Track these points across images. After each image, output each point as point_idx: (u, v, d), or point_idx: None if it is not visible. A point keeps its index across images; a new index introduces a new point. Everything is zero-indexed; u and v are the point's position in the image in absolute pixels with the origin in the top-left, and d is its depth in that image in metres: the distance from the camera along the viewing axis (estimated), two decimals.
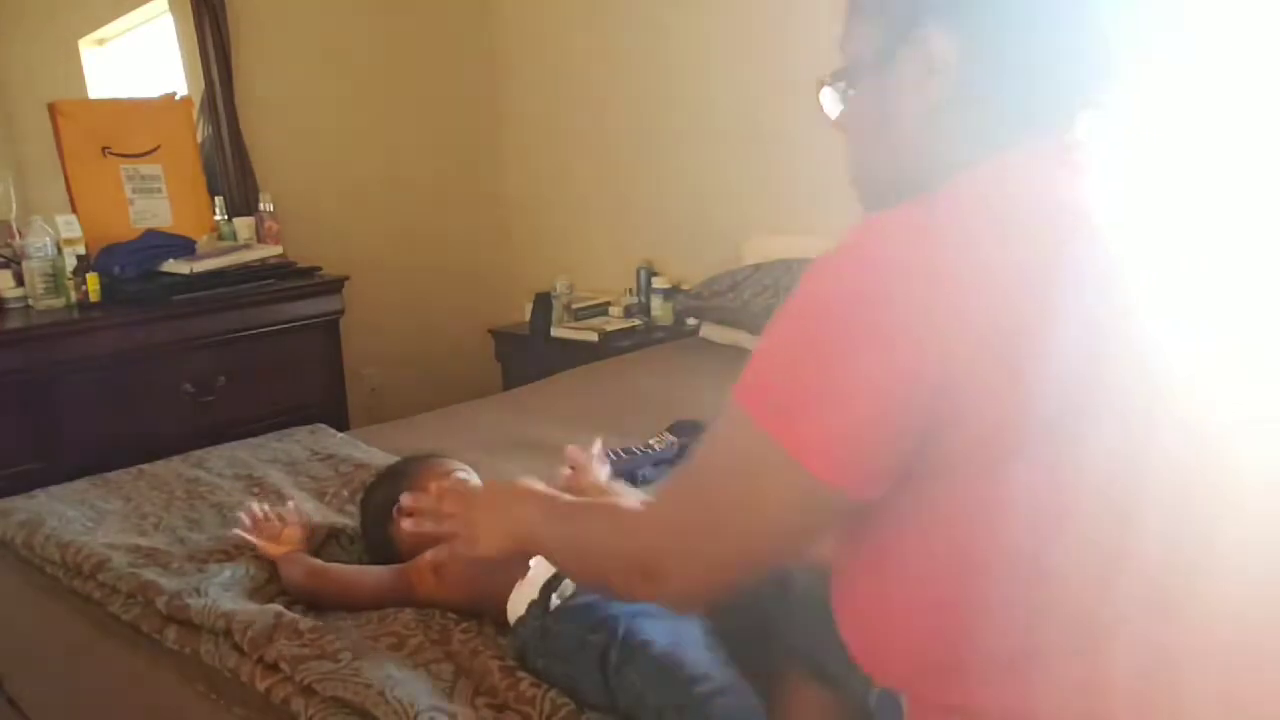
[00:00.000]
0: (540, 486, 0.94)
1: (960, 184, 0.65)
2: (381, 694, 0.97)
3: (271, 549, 1.32)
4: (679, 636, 0.98)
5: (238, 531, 1.36)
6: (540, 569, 1.11)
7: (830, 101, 0.75)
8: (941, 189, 0.65)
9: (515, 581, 1.12)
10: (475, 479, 1.40)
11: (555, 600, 1.08)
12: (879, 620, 0.69)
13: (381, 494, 1.40)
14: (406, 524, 1.05)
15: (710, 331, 2.65)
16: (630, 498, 1.01)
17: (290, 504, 1.46)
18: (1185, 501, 0.62)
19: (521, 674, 1.02)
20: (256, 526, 1.36)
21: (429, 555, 1.23)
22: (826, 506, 0.64)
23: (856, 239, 0.62)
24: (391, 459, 1.76)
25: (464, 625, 1.14)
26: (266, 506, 1.42)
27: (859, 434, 0.60)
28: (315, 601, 1.24)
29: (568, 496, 0.93)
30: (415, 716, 0.94)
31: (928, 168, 0.68)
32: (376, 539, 1.38)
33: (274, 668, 1.07)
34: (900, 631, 0.67)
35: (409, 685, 0.99)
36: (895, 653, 0.69)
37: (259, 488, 1.65)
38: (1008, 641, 0.63)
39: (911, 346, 0.58)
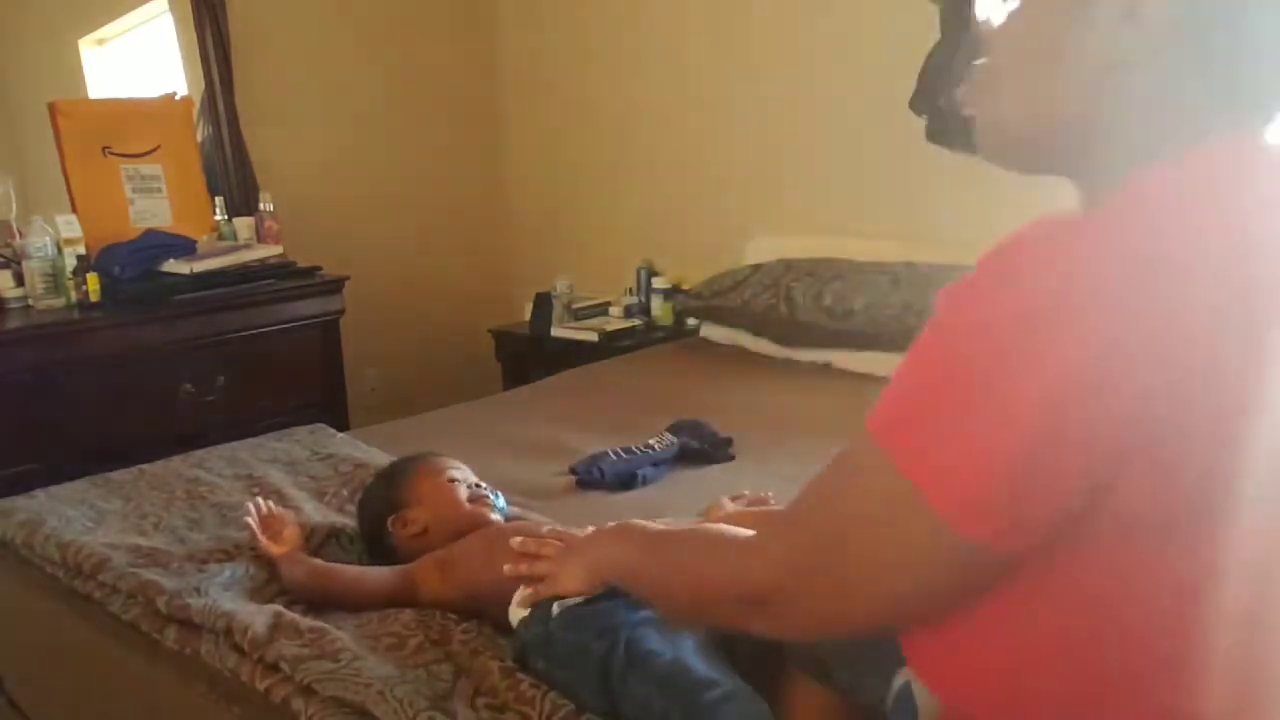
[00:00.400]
0: (651, 526, 0.90)
1: (1146, 186, 0.53)
2: (382, 694, 0.97)
3: (273, 548, 1.32)
4: (681, 645, 0.98)
5: (247, 519, 1.36)
6: None
7: (997, 11, 0.61)
8: (1118, 186, 0.54)
9: (518, 585, 1.12)
10: (470, 476, 1.40)
11: (556, 607, 1.08)
12: (974, 656, 0.63)
13: (377, 496, 1.40)
14: (508, 569, 1.05)
15: (710, 331, 2.65)
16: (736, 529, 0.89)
17: (289, 508, 1.46)
18: None
19: (521, 675, 1.02)
20: (261, 522, 1.36)
21: (431, 556, 1.23)
22: (969, 566, 0.56)
23: (1019, 255, 0.53)
24: (391, 459, 1.76)
25: (464, 626, 1.13)
26: (271, 503, 1.42)
27: (1017, 486, 0.51)
28: (317, 601, 1.24)
29: (656, 525, 0.89)
30: (415, 716, 0.94)
31: (1086, 136, 0.57)
32: (376, 541, 1.38)
33: (274, 667, 1.07)
34: (996, 675, 0.62)
35: (409, 685, 0.99)
36: (977, 689, 0.63)
37: (259, 488, 1.64)
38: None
39: (1089, 382, 0.49)
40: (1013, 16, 0.60)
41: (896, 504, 0.56)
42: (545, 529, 1.15)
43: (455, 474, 1.39)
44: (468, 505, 1.34)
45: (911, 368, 0.56)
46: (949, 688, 0.66)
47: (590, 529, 1.05)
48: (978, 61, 0.63)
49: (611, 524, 0.97)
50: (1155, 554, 0.53)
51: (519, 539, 1.08)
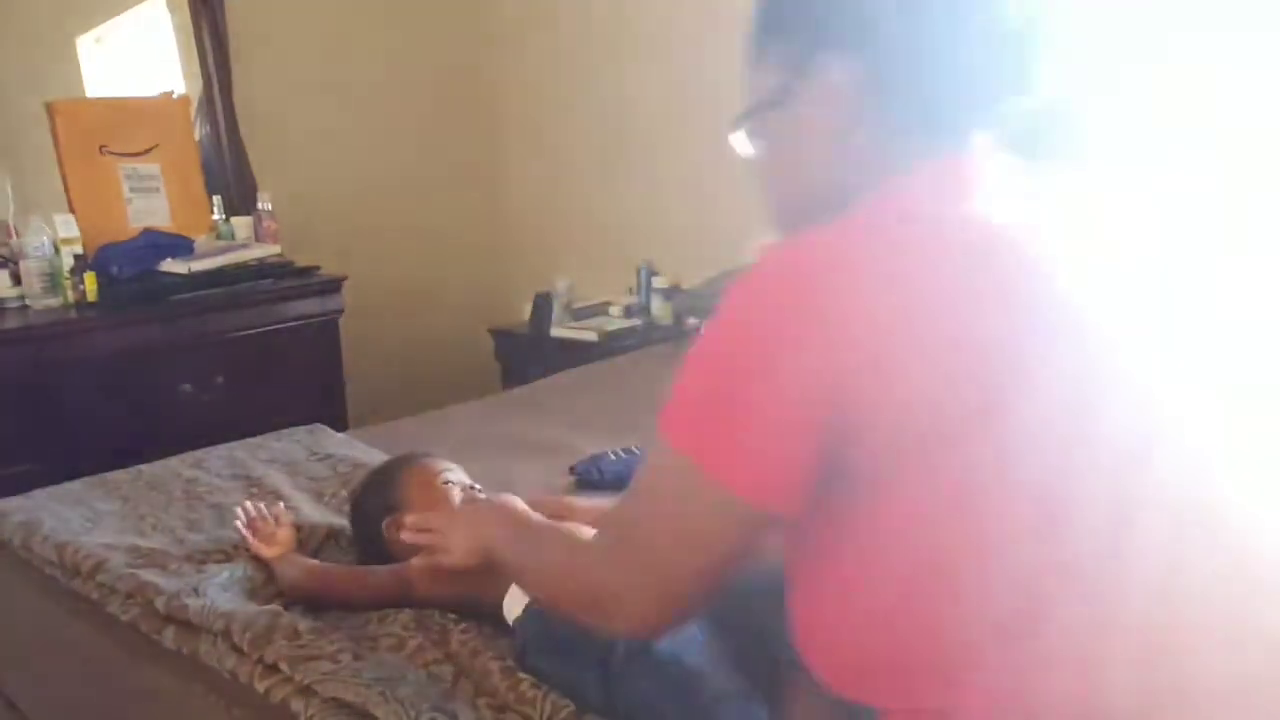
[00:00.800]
0: (519, 505, 0.99)
1: (861, 206, 0.67)
2: (383, 694, 0.97)
3: (264, 550, 1.31)
4: (680, 642, 0.98)
5: (237, 524, 1.36)
6: None
7: (740, 144, 0.78)
8: (847, 212, 0.67)
9: (510, 582, 1.12)
10: (464, 478, 1.40)
11: None
12: (830, 632, 0.70)
13: (371, 498, 1.39)
14: (405, 535, 1.12)
15: None
16: (589, 526, 1.02)
17: (281, 504, 1.45)
18: (1123, 477, 0.64)
19: (522, 674, 1.02)
20: (251, 525, 1.35)
21: (422, 556, 1.22)
22: (752, 523, 0.66)
23: (759, 266, 0.66)
24: (390, 458, 1.76)
25: (464, 625, 1.13)
26: (262, 505, 1.41)
27: (769, 447, 0.63)
28: (313, 602, 1.23)
29: (538, 517, 0.96)
30: (417, 717, 0.94)
31: (838, 193, 0.70)
32: (369, 542, 1.37)
33: (273, 668, 1.07)
34: (856, 643, 0.68)
35: (410, 685, 0.99)
36: (851, 664, 0.69)
37: (257, 488, 1.64)
38: (981, 624, 0.63)
39: (808, 359, 0.61)
40: (759, 142, 0.77)
41: (678, 478, 0.66)
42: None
43: (449, 476, 1.38)
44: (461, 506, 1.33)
45: (684, 366, 0.68)
46: (824, 665, 0.72)
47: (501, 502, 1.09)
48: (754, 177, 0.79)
49: (498, 500, 1.06)
50: (898, 501, 0.63)
51: (411, 516, 1.13)
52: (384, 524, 1.33)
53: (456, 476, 1.39)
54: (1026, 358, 0.62)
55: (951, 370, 0.61)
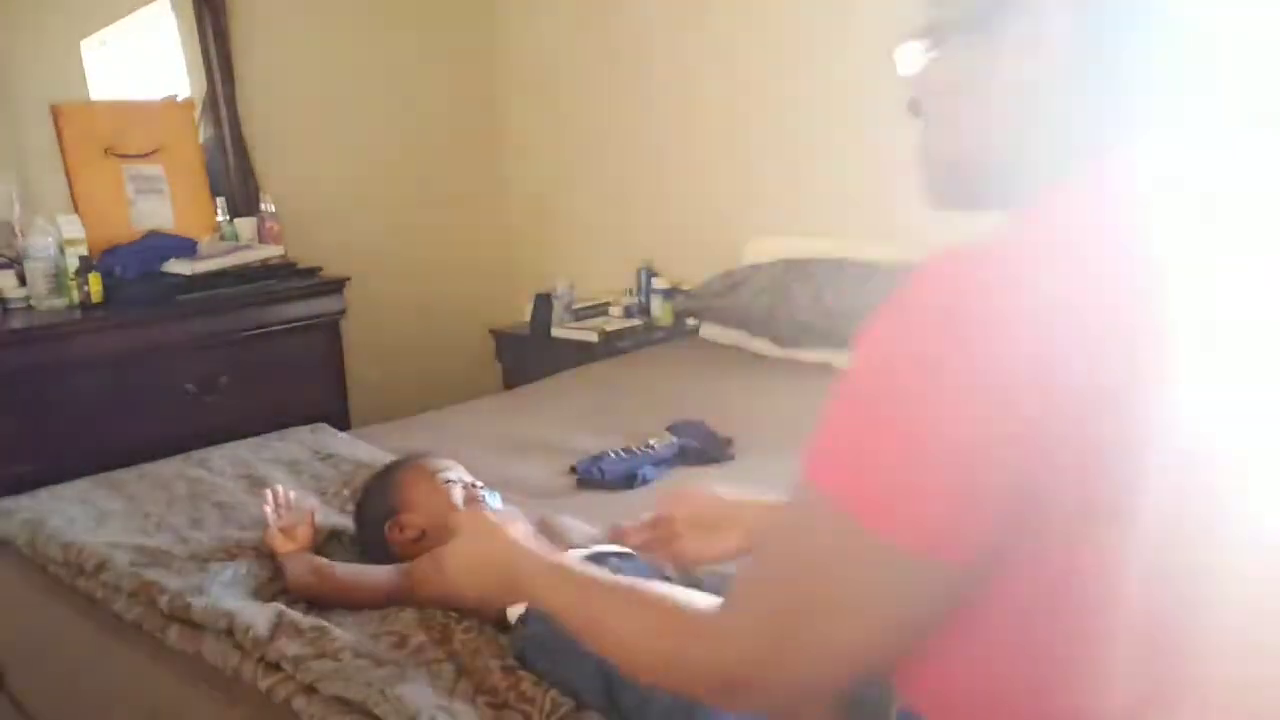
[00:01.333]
0: (523, 529, 0.88)
1: (1046, 210, 0.58)
2: (383, 693, 0.97)
3: (280, 542, 1.32)
4: None
5: (266, 509, 1.37)
6: None
7: (908, 59, 0.66)
8: (1023, 209, 0.58)
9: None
10: (464, 475, 1.41)
11: None
12: (953, 690, 0.63)
13: (372, 500, 1.40)
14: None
15: (710, 331, 2.66)
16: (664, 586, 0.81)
17: (313, 500, 1.46)
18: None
19: (522, 673, 1.03)
20: (276, 510, 1.36)
21: (429, 555, 1.23)
22: (932, 585, 0.57)
23: (922, 286, 0.56)
24: (392, 458, 1.77)
25: (465, 625, 1.14)
26: (293, 494, 1.42)
27: (950, 502, 0.54)
28: (319, 600, 1.24)
29: (555, 554, 0.83)
30: (416, 716, 0.95)
31: (1012, 161, 0.61)
32: (372, 544, 1.38)
33: (275, 667, 1.08)
34: (963, 682, 0.62)
35: (410, 684, 1.00)
36: (948, 699, 0.64)
37: (260, 487, 1.65)
38: (1115, 704, 0.59)
39: (996, 403, 0.52)
40: (933, 64, 0.65)
41: (850, 543, 0.57)
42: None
43: (449, 475, 1.39)
44: (463, 507, 1.34)
45: (835, 406, 0.59)
46: (933, 706, 0.65)
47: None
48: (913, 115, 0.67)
49: (487, 521, 0.90)
50: (1068, 556, 0.56)
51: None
52: (386, 526, 1.34)
53: (457, 475, 1.40)
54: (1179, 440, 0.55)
55: (1136, 432, 0.54)
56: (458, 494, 1.36)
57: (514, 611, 1.12)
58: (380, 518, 1.36)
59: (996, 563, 0.56)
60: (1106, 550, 0.55)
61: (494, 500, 1.39)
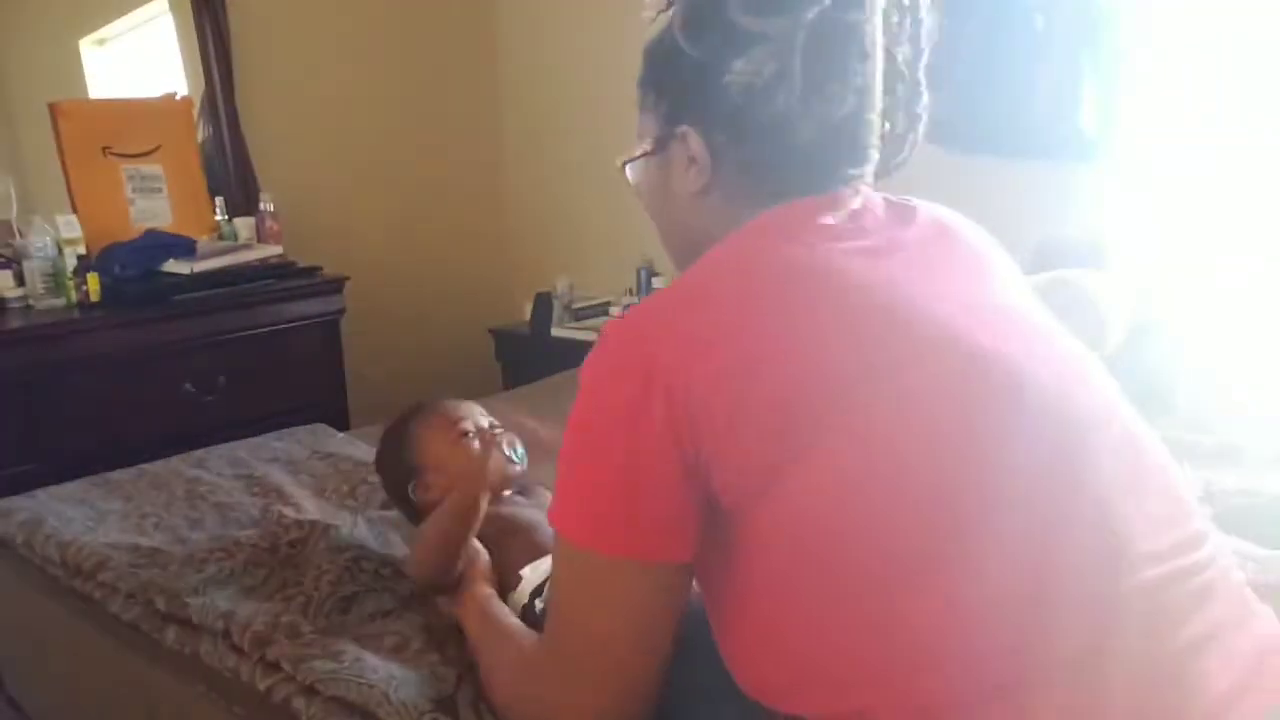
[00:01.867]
0: (483, 586, 1.07)
1: (706, 256, 0.74)
2: (386, 695, 0.97)
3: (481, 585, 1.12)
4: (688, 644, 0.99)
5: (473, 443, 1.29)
6: (531, 575, 1.11)
7: (630, 174, 0.87)
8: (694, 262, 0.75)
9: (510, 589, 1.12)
10: (480, 419, 1.33)
11: (539, 605, 1.08)
12: (747, 653, 0.72)
13: (391, 461, 1.36)
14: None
15: None
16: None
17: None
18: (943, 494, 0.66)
19: None
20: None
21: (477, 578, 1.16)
22: (661, 582, 0.70)
23: (599, 342, 0.72)
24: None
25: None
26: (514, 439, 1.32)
27: (657, 508, 0.67)
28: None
29: (498, 608, 1.02)
30: (419, 718, 0.94)
31: (701, 238, 0.78)
32: (399, 501, 1.36)
33: (274, 667, 1.07)
34: (768, 661, 0.70)
35: (412, 686, 0.99)
36: (769, 680, 0.71)
37: (259, 487, 1.65)
38: (860, 623, 0.65)
39: (653, 416, 0.65)
40: (640, 179, 0.87)
41: (598, 573, 0.70)
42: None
43: (466, 425, 1.31)
44: (489, 464, 1.20)
45: (563, 458, 0.72)
46: (747, 682, 0.73)
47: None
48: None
49: (468, 580, 1.10)
50: (835, 560, 0.65)
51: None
52: (410, 488, 1.30)
53: (473, 422, 1.33)
54: (834, 379, 0.65)
55: (767, 400, 0.64)
56: (475, 446, 1.28)
57: (515, 601, 1.11)
58: (403, 480, 1.31)
59: (713, 546, 0.69)
60: (800, 487, 0.64)
61: (518, 450, 1.31)
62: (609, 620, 0.71)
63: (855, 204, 0.77)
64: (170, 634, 1.21)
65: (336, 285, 2.60)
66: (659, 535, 0.68)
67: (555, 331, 2.97)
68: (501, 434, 1.32)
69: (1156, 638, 0.63)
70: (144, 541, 1.43)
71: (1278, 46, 1.83)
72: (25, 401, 2.11)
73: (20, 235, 2.32)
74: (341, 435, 1.98)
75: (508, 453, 1.29)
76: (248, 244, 2.62)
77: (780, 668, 0.69)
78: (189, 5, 2.68)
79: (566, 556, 0.73)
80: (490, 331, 3.19)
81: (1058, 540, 0.64)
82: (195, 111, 2.73)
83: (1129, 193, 2.03)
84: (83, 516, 1.55)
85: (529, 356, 3.01)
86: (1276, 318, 1.81)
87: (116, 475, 1.74)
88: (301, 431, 1.96)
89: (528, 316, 3.05)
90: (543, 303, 3.00)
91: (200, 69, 2.72)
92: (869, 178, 0.80)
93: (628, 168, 0.87)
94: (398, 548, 1.38)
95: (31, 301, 2.29)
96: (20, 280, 2.31)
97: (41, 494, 1.65)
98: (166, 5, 2.73)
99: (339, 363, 2.64)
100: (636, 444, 0.66)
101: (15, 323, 2.18)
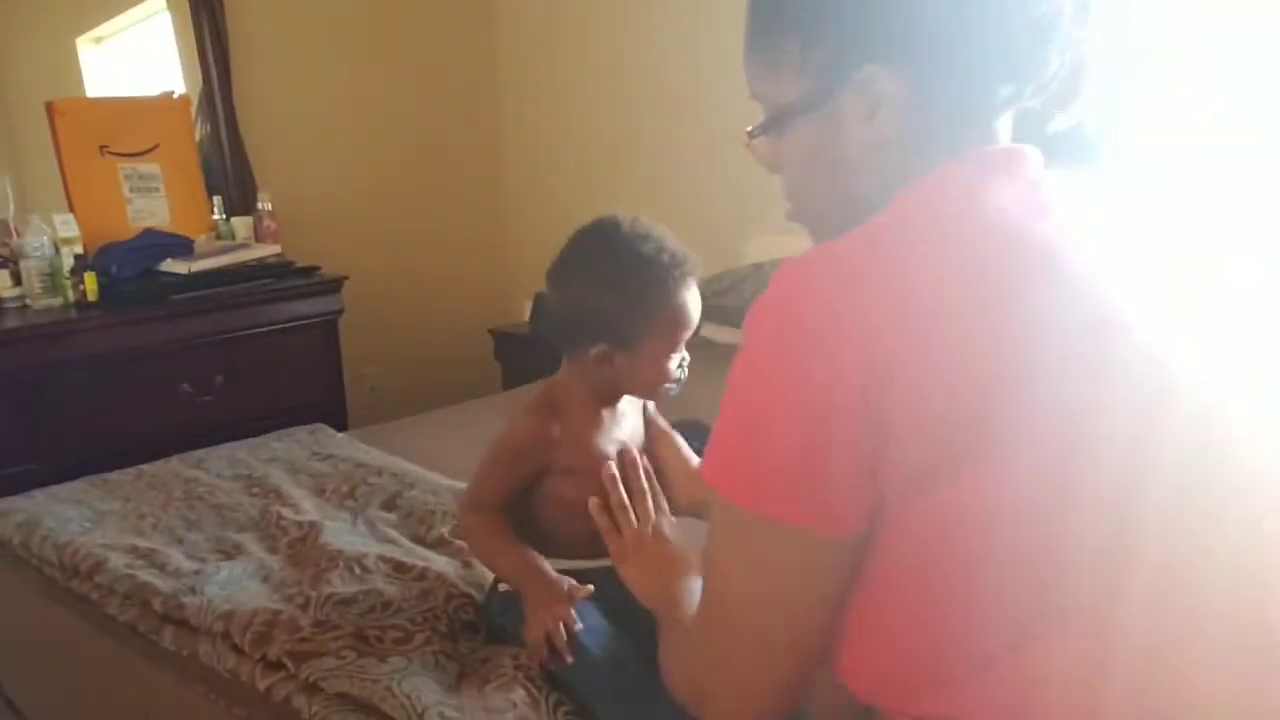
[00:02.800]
0: (680, 597, 0.90)
1: (885, 211, 0.65)
2: (389, 689, 0.96)
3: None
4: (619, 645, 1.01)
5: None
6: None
7: (762, 151, 0.75)
8: (881, 212, 0.65)
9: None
10: (684, 353, 1.14)
11: (502, 586, 1.13)
12: (852, 644, 0.68)
13: (607, 298, 1.07)
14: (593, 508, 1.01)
15: (710, 331, 2.65)
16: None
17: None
18: (1182, 496, 0.62)
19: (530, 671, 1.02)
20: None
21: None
22: (827, 558, 0.63)
23: (772, 288, 0.63)
24: (392, 459, 1.75)
25: (467, 636, 1.13)
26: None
27: (821, 473, 0.60)
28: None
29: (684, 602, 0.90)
30: (423, 712, 0.94)
31: (873, 197, 0.68)
32: (561, 340, 1.15)
33: (274, 666, 1.07)
34: (873, 655, 0.67)
35: (415, 679, 0.99)
36: (869, 673, 0.68)
37: (258, 487, 1.64)
38: (986, 643, 0.63)
39: (836, 370, 0.58)
40: (785, 147, 0.73)
41: (745, 533, 0.64)
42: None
43: (683, 353, 1.13)
44: (661, 386, 1.12)
45: (724, 409, 0.65)
46: (846, 672, 0.70)
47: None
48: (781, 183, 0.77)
49: (669, 551, 0.98)
50: (930, 508, 0.61)
51: (594, 501, 1.01)
52: (594, 351, 1.07)
53: (682, 353, 1.14)
54: (1029, 382, 0.59)
55: (956, 389, 0.58)
56: (674, 372, 1.11)
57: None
58: (599, 330, 1.07)
59: (871, 532, 0.63)
60: (960, 499, 0.59)
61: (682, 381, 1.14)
62: (765, 589, 0.65)
63: (1037, 164, 0.68)
64: (168, 635, 1.20)
65: (335, 285, 2.60)
66: (835, 505, 0.61)
67: None
68: (681, 372, 1.14)
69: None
70: (141, 542, 1.43)
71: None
72: (22, 401, 2.10)
73: (17, 234, 2.31)
74: (340, 436, 1.98)
75: (678, 381, 1.13)
76: (245, 243, 2.61)
77: (883, 664, 0.67)
78: (186, 3, 2.67)
79: (727, 522, 0.66)
80: (490, 331, 3.19)
81: (1203, 631, 0.62)
82: (193, 110, 2.72)
83: (1129, 193, 2.03)
84: (80, 517, 1.54)
85: (529, 356, 3.00)
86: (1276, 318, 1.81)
87: (114, 476, 1.74)
88: (301, 432, 1.96)
89: (527, 316, 3.04)
90: (543, 303, 2.99)
91: (198, 67, 2.72)
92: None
93: (759, 138, 0.74)
94: (398, 548, 1.37)
95: (28, 301, 2.28)
96: (17, 280, 2.31)
97: (39, 494, 1.65)
98: (164, 3, 2.72)
99: (337, 363, 2.63)
100: (826, 401, 0.59)
101: (12, 322, 2.17)
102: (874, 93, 0.66)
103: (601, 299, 1.07)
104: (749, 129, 0.75)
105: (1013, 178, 0.65)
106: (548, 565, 1.06)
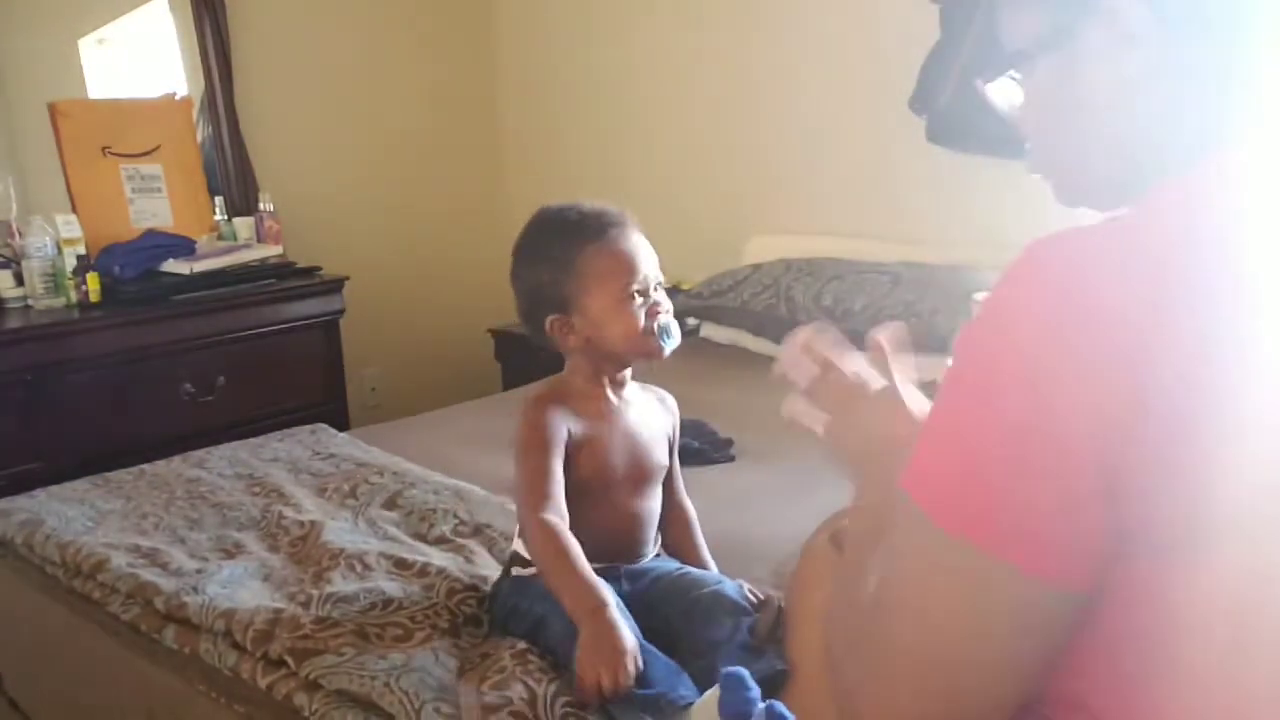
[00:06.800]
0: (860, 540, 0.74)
1: (1162, 196, 0.55)
2: (388, 685, 0.97)
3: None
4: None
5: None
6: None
7: (1006, 94, 0.67)
8: (1142, 196, 0.56)
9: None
10: (651, 276, 1.13)
11: (515, 569, 1.14)
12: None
13: (547, 280, 1.10)
14: (787, 415, 0.86)
15: (710, 331, 2.65)
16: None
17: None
18: None
19: (531, 657, 1.03)
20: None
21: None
22: (1051, 610, 0.54)
23: (1021, 272, 0.54)
24: (393, 459, 1.76)
25: (469, 629, 1.14)
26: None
27: (1063, 516, 0.51)
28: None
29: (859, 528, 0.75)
30: (420, 708, 0.94)
31: (1129, 153, 0.61)
32: (529, 315, 1.15)
33: (275, 664, 1.07)
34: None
35: (414, 674, 0.99)
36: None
37: (260, 487, 1.64)
38: None
39: (1101, 396, 0.49)
40: (1028, 90, 0.65)
41: (951, 564, 0.55)
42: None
43: (636, 286, 1.10)
44: (640, 338, 1.11)
45: (938, 410, 0.57)
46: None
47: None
48: (1026, 145, 0.67)
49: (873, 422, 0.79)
50: (1155, 576, 0.53)
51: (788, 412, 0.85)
52: (548, 321, 1.11)
53: (643, 282, 1.11)
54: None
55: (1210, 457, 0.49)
56: (639, 321, 1.10)
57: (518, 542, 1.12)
58: (545, 306, 1.11)
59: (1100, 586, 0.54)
60: (1192, 574, 0.52)
61: (672, 339, 1.14)
62: (960, 621, 0.55)
63: None
64: (169, 633, 1.21)
65: (336, 285, 2.60)
66: (1055, 542, 0.52)
67: None
68: (666, 309, 1.13)
69: None
70: (143, 542, 1.43)
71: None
72: (25, 401, 2.10)
73: (20, 235, 2.32)
74: (342, 436, 1.98)
75: (664, 330, 1.12)
76: (247, 244, 2.61)
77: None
78: (189, 5, 2.68)
79: (918, 534, 0.57)
80: (490, 331, 3.19)
81: None
82: (195, 111, 2.73)
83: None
84: (83, 516, 1.54)
85: (529, 356, 3.01)
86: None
87: (117, 475, 1.74)
88: (302, 432, 1.96)
89: None
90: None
91: (200, 69, 2.72)
92: None
93: (1004, 82, 0.66)
94: (399, 545, 1.38)
95: (31, 302, 2.29)
96: (20, 280, 2.31)
97: (41, 494, 1.65)
98: (166, 5, 2.73)
99: (338, 363, 2.63)
100: (1062, 423, 0.50)
101: (15, 323, 2.18)
102: (1119, 21, 0.58)
103: (534, 272, 1.12)
104: (994, 67, 0.67)
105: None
106: (614, 602, 1.00)
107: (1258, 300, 0.51)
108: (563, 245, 1.11)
